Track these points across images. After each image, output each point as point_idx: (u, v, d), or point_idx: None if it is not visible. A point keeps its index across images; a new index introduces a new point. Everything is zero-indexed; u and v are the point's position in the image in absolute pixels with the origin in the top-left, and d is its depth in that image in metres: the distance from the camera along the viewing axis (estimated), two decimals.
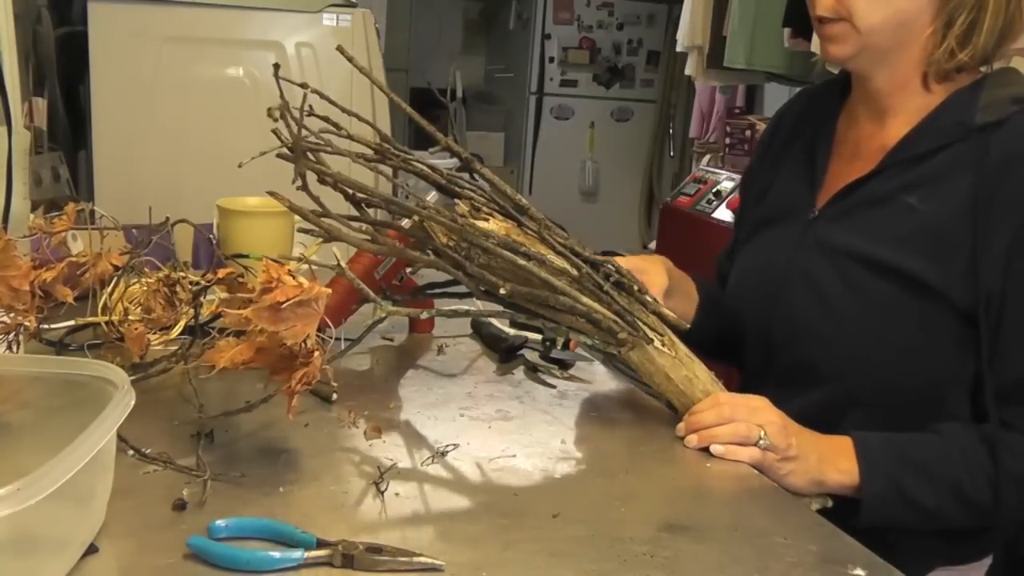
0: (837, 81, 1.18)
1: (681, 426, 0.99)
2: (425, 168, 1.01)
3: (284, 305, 0.79)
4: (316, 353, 0.82)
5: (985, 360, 0.99)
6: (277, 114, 0.92)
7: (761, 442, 0.94)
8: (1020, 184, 0.97)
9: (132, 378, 0.74)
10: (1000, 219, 0.97)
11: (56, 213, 1.05)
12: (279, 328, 0.79)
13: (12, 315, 0.95)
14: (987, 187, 0.98)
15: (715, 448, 0.94)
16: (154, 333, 1.05)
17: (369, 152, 1.01)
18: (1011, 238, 0.96)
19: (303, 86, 0.94)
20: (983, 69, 1.06)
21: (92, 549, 0.68)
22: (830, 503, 0.97)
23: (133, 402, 0.70)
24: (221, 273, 0.98)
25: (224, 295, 0.97)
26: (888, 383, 1.02)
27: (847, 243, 1.05)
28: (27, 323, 0.95)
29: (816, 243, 1.08)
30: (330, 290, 0.83)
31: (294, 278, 0.80)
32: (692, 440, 0.96)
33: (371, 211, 1.04)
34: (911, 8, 1.01)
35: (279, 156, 0.95)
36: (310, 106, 0.94)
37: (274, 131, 0.95)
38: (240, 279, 0.99)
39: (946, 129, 1.02)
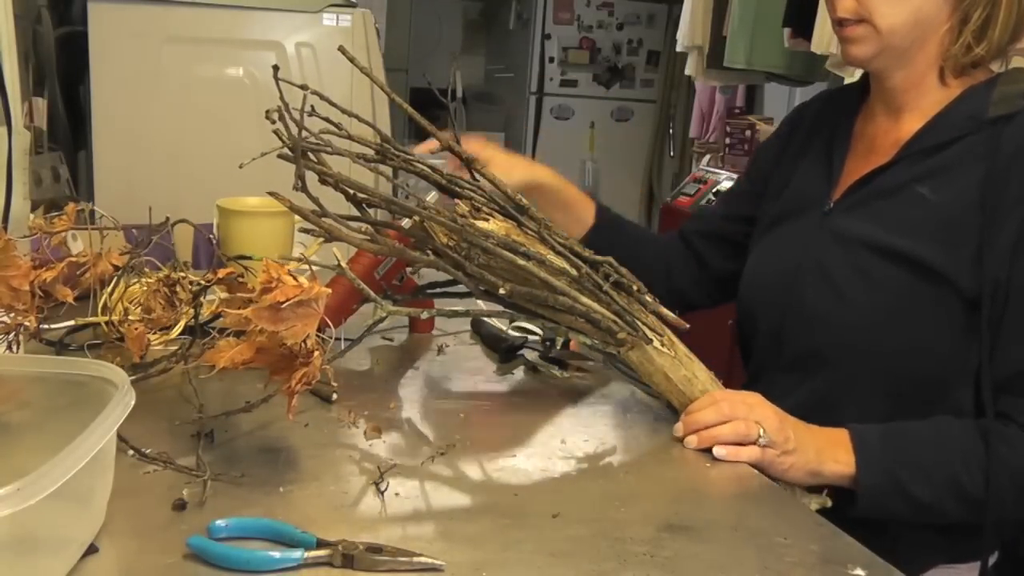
0: (857, 82, 1.20)
1: (679, 426, 0.99)
2: (426, 168, 1.01)
3: (284, 305, 0.79)
4: (316, 353, 0.82)
5: (984, 350, 0.99)
6: (275, 116, 0.92)
7: (760, 439, 0.94)
8: (1018, 188, 0.98)
9: (132, 378, 0.74)
10: (1009, 210, 0.98)
11: (56, 213, 1.05)
12: (279, 328, 0.79)
13: (12, 315, 0.95)
14: (997, 178, 0.99)
15: (717, 451, 0.94)
16: (154, 333, 1.05)
17: (369, 152, 1.01)
18: (1018, 228, 0.97)
19: (303, 87, 0.94)
20: (993, 68, 1.08)
21: (92, 549, 0.68)
22: (829, 503, 0.97)
23: (133, 402, 0.70)
24: (221, 273, 0.98)
25: (224, 295, 0.97)
26: (895, 371, 1.03)
27: (859, 232, 1.06)
28: (27, 323, 0.95)
29: (831, 234, 1.09)
30: (330, 290, 0.83)
31: (294, 278, 0.80)
32: (692, 441, 0.96)
33: (371, 211, 1.04)
34: (929, 7, 1.02)
35: (280, 157, 0.95)
36: (311, 106, 0.94)
37: (275, 132, 0.95)
38: (240, 279, 0.99)
39: (959, 123, 1.04)
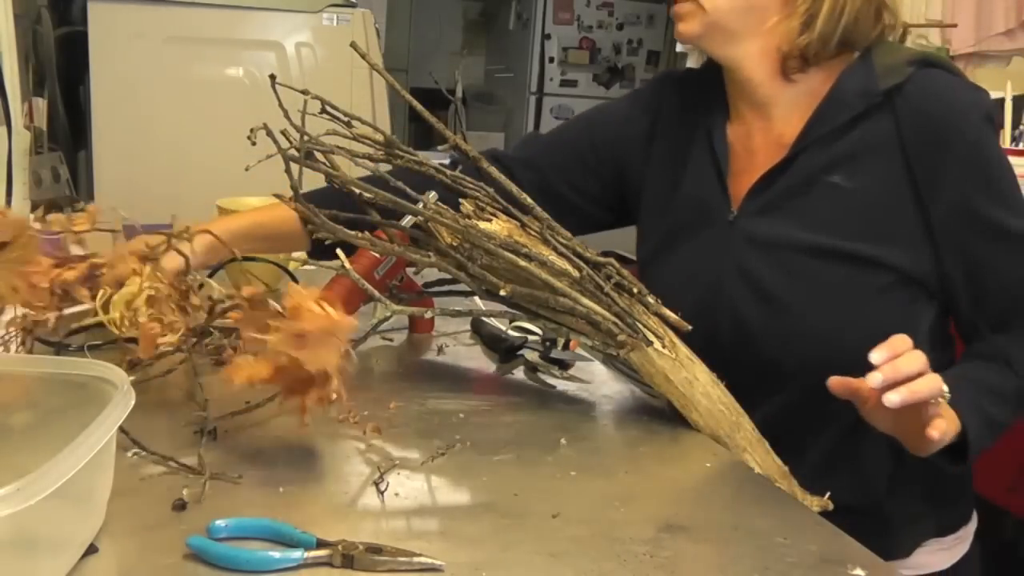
0: (711, 77, 1.15)
1: (877, 376, 0.83)
2: (432, 169, 1.01)
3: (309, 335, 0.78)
4: (335, 380, 0.81)
5: (965, 319, 1.02)
6: (262, 131, 0.91)
7: (945, 397, 0.88)
8: (940, 146, 0.98)
9: (132, 378, 0.74)
10: (934, 185, 0.98)
11: (56, 214, 1.05)
12: (301, 355, 0.79)
13: (24, 314, 0.94)
14: (911, 152, 0.99)
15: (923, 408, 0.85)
16: (164, 334, 1.05)
17: (372, 152, 1.01)
18: (947, 206, 0.98)
19: (304, 92, 0.94)
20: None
21: (92, 549, 0.68)
22: (831, 506, 0.97)
23: (133, 402, 0.70)
24: (246, 292, 0.96)
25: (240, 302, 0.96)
26: (855, 363, 0.99)
27: (781, 235, 1.04)
28: (43, 320, 0.94)
29: (746, 241, 1.06)
30: (356, 323, 0.82)
31: (321, 307, 0.80)
32: (895, 399, 0.82)
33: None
34: None
35: (289, 160, 0.95)
36: (321, 105, 0.94)
37: (283, 132, 0.95)
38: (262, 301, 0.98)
39: (850, 101, 1.02)
